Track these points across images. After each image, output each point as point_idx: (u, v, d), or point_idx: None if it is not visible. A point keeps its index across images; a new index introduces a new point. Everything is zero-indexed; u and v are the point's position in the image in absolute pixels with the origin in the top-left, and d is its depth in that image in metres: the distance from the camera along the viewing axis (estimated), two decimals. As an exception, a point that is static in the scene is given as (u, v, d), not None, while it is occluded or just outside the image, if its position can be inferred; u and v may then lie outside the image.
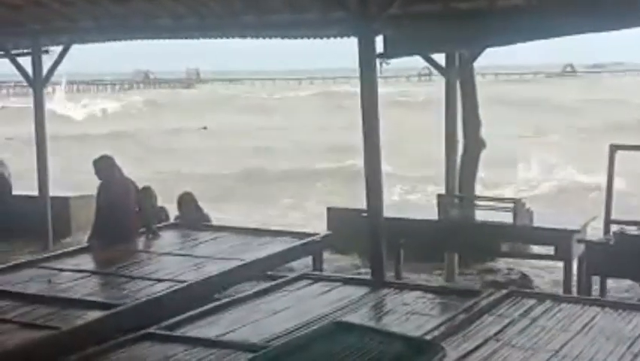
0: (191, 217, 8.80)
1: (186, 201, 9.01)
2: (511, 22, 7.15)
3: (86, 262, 7.27)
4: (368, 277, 6.81)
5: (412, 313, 5.51)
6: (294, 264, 7.92)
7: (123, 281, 6.55)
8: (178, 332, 5.12)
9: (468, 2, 7.17)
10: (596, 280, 7.04)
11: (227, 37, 8.93)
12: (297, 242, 7.71)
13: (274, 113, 40.60)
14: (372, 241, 6.76)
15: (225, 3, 8.03)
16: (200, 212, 9.05)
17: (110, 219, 7.68)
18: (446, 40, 7.57)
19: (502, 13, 7.11)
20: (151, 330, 5.07)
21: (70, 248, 7.90)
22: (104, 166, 7.78)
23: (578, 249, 7.09)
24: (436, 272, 8.58)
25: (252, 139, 29.23)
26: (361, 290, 6.12)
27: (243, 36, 8.68)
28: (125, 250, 7.52)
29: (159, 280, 6.45)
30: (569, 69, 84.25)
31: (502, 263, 8.71)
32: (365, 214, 6.91)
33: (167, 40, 9.30)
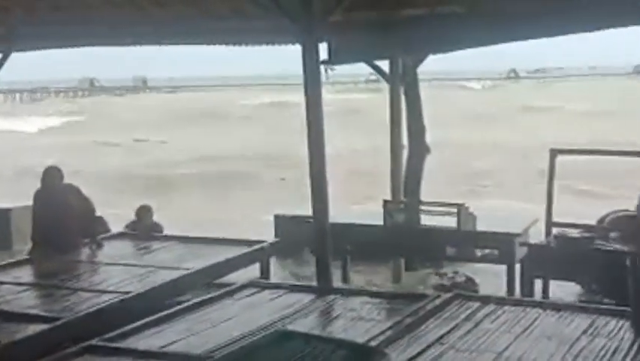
0: (143, 227, 8.76)
1: (143, 213, 9.00)
2: (452, 29, 7.25)
3: (28, 274, 7.13)
4: (315, 283, 6.81)
5: (358, 319, 5.52)
6: (242, 272, 7.88)
7: (66, 293, 6.41)
8: (121, 344, 5.03)
9: (410, 9, 7.25)
10: (538, 282, 7.17)
11: (173, 44, 8.89)
12: (244, 250, 7.68)
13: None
14: (319, 247, 6.77)
15: (171, 10, 7.97)
16: (156, 224, 9.02)
17: (50, 230, 7.53)
18: (389, 47, 7.65)
19: (444, 20, 7.21)
20: (93, 342, 4.97)
21: (11, 260, 7.71)
22: (49, 174, 7.65)
23: (521, 252, 7.22)
24: (382, 277, 8.64)
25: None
26: (308, 297, 6.12)
27: (188, 43, 8.66)
28: (69, 261, 7.38)
29: (103, 292, 6.35)
30: (512, 74, 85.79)
31: (447, 267, 8.81)
32: (311, 220, 6.92)
33: (117, 48, 9.24)
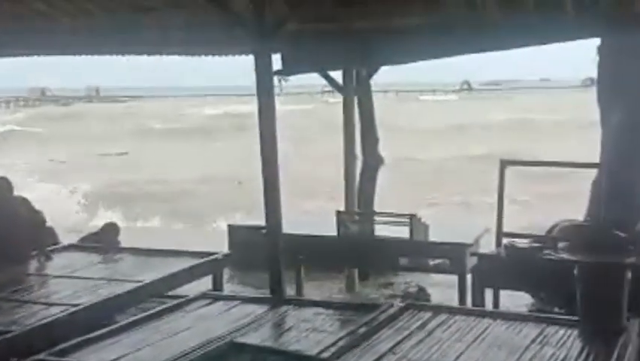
0: (103, 240, 8.68)
1: (109, 230, 8.93)
2: (407, 41, 7.31)
3: (-26, 286, 6.97)
4: (268, 294, 6.79)
5: (311, 330, 5.51)
6: (195, 284, 7.82)
7: (14, 306, 6.29)
8: (70, 358, 4.95)
9: (364, 21, 7.29)
10: (489, 291, 7.25)
11: (124, 54, 8.80)
12: (197, 261, 7.63)
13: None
14: (271, 258, 6.75)
15: (122, 19, 7.90)
16: (118, 242, 8.94)
17: None
18: (342, 57, 7.68)
19: (398, 33, 7.26)
20: (41, 356, 4.89)
21: (-43, 273, 7.54)
22: None
23: (472, 262, 7.30)
24: (336, 288, 8.65)
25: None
26: (261, 308, 6.09)
27: (143, 53, 8.58)
28: (17, 273, 7.24)
29: (52, 304, 6.24)
30: (465, 86, 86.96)
31: (400, 277, 8.87)
32: (264, 231, 6.90)
33: (67, 57, 9.10)
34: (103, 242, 8.73)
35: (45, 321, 5.75)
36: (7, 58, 9.12)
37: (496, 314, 5.83)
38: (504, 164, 7.52)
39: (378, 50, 7.58)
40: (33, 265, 7.64)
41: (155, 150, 31.34)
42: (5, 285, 6.85)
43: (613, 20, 6.35)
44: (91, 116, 49.64)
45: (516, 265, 6.83)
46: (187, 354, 4.91)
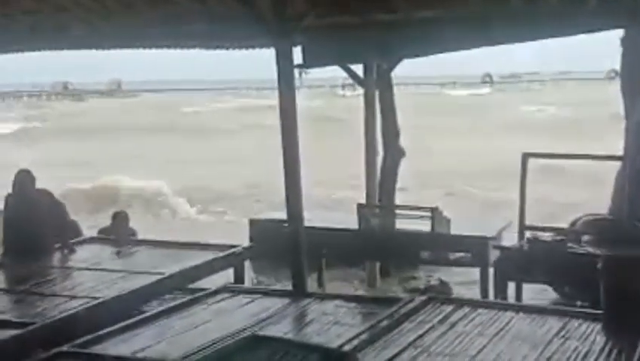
0: (116, 232, 8.71)
1: (118, 219, 8.95)
2: (426, 33, 7.28)
3: (-1, 279, 7.05)
4: (289, 288, 6.80)
5: (332, 323, 5.52)
6: (216, 277, 7.84)
7: (37, 299, 6.34)
8: (93, 350, 4.98)
9: (384, 14, 7.27)
10: (511, 285, 7.21)
11: (145, 48, 8.82)
12: (219, 254, 7.64)
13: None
14: (293, 251, 6.75)
15: (143, 13, 7.92)
16: (130, 231, 8.96)
17: (21, 234, 7.45)
18: (363, 51, 7.67)
19: (418, 25, 7.23)
20: (64, 348, 4.92)
21: (-19, 265, 7.62)
22: (19, 179, 7.57)
23: (494, 255, 7.25)
24: (357, 281, 8.64)
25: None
26: (282, 301, 6.10)
27: (161, 47, 8.60)
28: (40, 266, 7.30)
29: (74, 297, 6.28)
30: (487, 79, 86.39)
31: (421, 270, 8.84)
32: (286, 225, 6.90)
33: (91, 52, 9.14)
34: (115, 231, 8.76)
35: (68, 313, 5.79)
36: (29, 52, 9.17)
37: (519, 308, 5.80)
38: (526, 156, 7.47)
39: (399, 42, 7.57)
40: (56, 258, 7.70)
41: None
42: (28, 278, 6.90)
43: (636, 11, 6.28)
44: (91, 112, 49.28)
45: (539, 259, 6.79)
46: (208, 347, 4.93)
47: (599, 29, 6.83)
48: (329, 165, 19.67)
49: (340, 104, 45.95)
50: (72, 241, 8.08)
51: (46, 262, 7.51)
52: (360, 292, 7.94)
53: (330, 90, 65.73)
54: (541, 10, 6.71)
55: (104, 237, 8.62)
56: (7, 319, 5.77)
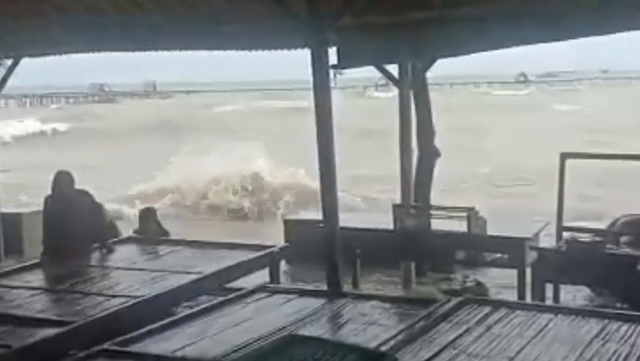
0: (150, 231, 8.75)
1: (146, 217, 8.98)
2: (461, 33, 7.23)
3: (39, 278, 7.16)
4: (325, 288, 6.81)
5: (369, 324, 5.52)
6: (251, 276, 7.88)
7: (77, 297, 6.44)
8: (133, 348, 5.05)
9: (419, 13, 7.24)
10: (549, 286, 7.14)
11: (180, 50, 8.89)
12: (254, 254, 7.68)
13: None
14: (328, 252, 6.75)
15: (178, 15, 7.99)
16: (160, 227, 9.01)
17: (60, 234, 7.56)
18: (397, 51, 7.63)
19: (453, 24, 7.19)
20: (105, 346, 4.99)
21: (22, 264, 7.74)
22: (59, 180, 7.69)
23: (531, 256, 7.19)
24: (392, 281, 8.62)
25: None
26: (318, 301, 6.12)
27: (195, 48, 8.65)
28: (79, 266, 7.41)
29: (114, 296, 6.38)
30: (522, 78, 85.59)
31: (457, 271, 8.79)
32: (321, 225, 6.91)
33: (122, 53, 9.24)
34: (143, 228, 8.83)
35: (108, 312, 5.87)
36: (59, 55, 9.30)
37: (557, 309, 5.75)
38: (564, 156, 7.39)
39: (434, 42, 7.52)
40: (95, 258, 7.81)
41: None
42: (68, 277, 7.01)
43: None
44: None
45: (577, 260, 6.71)
46: (247, 346, 4.96)
47: (638, 28, 6.73)
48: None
49: (363, 105, 45.48)
50: (110, 240, 8.18)
51: (85, 261, 7.62)
52: (396, 293, 7.91)
53: (354, 91, 65.28)
54: (580, 7, 6.63)
55: (142, 237, 8.70)
56: (48, 317, 5.87)
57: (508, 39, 7.25)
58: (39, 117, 46.66)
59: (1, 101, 57.03)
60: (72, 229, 7.60)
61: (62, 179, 7.73)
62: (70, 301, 6.37)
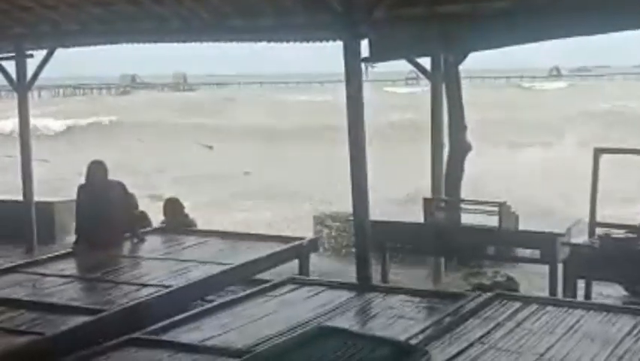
0: (177, 222, 8.79)
1: (172, 207, 9.00)
2: (494, 25, 7.17)
3: (71, 267, 7.24)
4: (354, 280, 6.80)
5: (397, 317, 5.51)
6: (280, 268, 7.90)
7: (108, 286, 6.51)
8: (163, 337, 5.09)
9: (452, 6, 7.19)
10: (581, 283, 7.06)
11: (213, 41, 8.92)
12: (283, 246, 7.70)
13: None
14: (358, 244, 6.76)
15: (211, 7, 8.01)
16: (186, 217, 9.04)
17: (94, 224, 7.64)
18: (430, 44, 7.59)
19: (486, 17, 7.13)
20: (135, 335, 5.04)
21: (55, 253, 7.84)
22: (93, 169, 7.78)
23: (563, 252, 7.12)
24: (422, 275, 8.59)
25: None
26: (347, 294, 6.12)
27: (229, 40, 8.68)
28: (110, 255, 7.48)
29: (144, 285, 6.43)
30: (554, 72, 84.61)
31: (487, 266, 8.72)
32: (351, 218, 6.91)
33: (154, 45, 9.30)
34: (169, 219, 8.86)
35: (139, 301, 5.92)
36: (94, 46, 9.38)
37: (589, 306, 5.69)
38: (598, 152, 7.30)
39: (466, 35, 7.46)
40: (126, 247, 7.88)
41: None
42: (100, 266, 7.09)
43: None
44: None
45: (610, 256, 6.63)
46: (274, 338, 4.97)
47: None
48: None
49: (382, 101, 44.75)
50: (142, 230, 8.25)
51: (117, 251, 7.69)
52: (425, 287, 7.88)
53: (393, 85, 64.77)
54: (613, 1, 6.53)
55: (172, 227, 8.74)
56: (80, 305, 5.93)
57: (542, 32, 7.17)
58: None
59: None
60: (104, 219, 7.67)
61: (96, 169, 7.81)
62: (102, 290, 6.44)
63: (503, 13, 7.04)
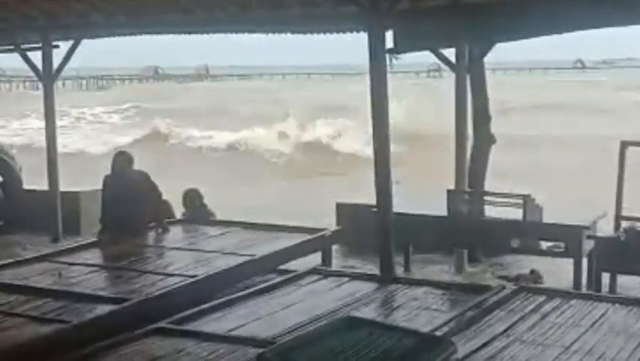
0: (196, 213, 8.83)
1: (191, 198, 9.04)
2: (519, 17, 7.12)
3: (96, 256, 7.31)
4: (377, 272, 6.81)
5: (421, 309, 5.51)
6: (304, 259, 7.91)
7: (133, 275, 6.56)
8: (188, 327, 5.13)
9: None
10: (606, 276, 7.01)
11: (238, 32, 8.95)
12: (307, 237, 7.71)
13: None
14: (381, 236, 6.76)
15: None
16: (205, 208, 9.07)
17: (119, 214, 7.70)
18: (455, 35, 7.56)
19: (511, 9, 7.09)
20: (161, 324, 5.08)
21: (81, 242, 7.93)
22: (119, 160, 7.84)
23: (588, 245, 7.08)
24: (445, 268, 8.57)
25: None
26: (371, 286, 6.13)
27: (253, 31, 8.69)
28: (135, 245, 7.54)
29: (169, 275, 6.48)
30: (579, 65, 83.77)
31: (511, 259, 8.69)
32: (375, 210, 6.90)
33: (177, 36, 9.33)
34: (189, 209, 8.89)
35: (164, 290, 5.96)
36: (119, 37, 9.43)
37: (614, 299, 5.66)
38: (624, 145, 7.23)
39: (490, 26, 7.42)
40: (151, 237, 7.93)
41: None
42: (125, 255, 7.14)
43: None
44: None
45: (636, 249, 6.58)
46: (299, 328, 5.00)
47: None
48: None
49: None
50: (166, 220, 8.30)
51: (142, 240, 7.75)
52: (448, 279, 7.86)
53: (416, 77, 64.18)
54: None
55: (196, 218, 8.77)
56: (105, 295, 5.99)
57: (566, 24, 7.11)
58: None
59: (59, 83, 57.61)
60: (129, 209, 7.72)
61: (121, 159, 7.87)
62: (127, 280, 6.49)
63: (528, 4, 7.00)
